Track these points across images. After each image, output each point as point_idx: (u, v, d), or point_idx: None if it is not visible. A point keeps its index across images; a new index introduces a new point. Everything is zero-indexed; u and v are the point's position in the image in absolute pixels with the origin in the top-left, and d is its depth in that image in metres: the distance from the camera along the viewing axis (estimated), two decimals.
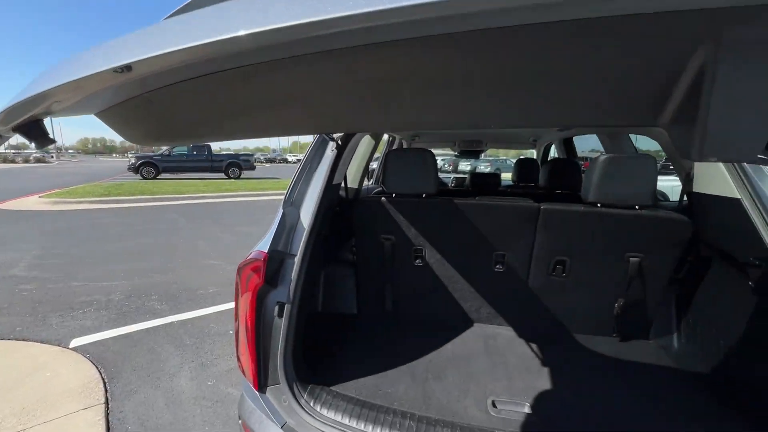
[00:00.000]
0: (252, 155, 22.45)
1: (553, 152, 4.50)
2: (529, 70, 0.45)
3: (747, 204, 1.21)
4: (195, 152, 19.71)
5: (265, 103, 0.57)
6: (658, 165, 2.41)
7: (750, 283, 1.28)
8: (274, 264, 1.24)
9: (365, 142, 2.81)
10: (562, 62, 0.43)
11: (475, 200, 1.73)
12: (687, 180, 1.58)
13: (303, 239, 1.30)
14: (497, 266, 1.82)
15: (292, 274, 1.24)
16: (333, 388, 1.33)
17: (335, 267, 2.13)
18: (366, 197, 1.82)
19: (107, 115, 0.64)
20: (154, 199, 11.28)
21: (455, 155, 5.54)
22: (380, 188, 2.93)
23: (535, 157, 4.45)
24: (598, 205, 1.59)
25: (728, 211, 1.33)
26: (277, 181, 17.39)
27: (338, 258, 2.17)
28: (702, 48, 0.38)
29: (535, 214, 1.68)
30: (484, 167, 25.78)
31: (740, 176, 1.23)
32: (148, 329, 3.30)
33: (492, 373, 1.50)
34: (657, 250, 1.62)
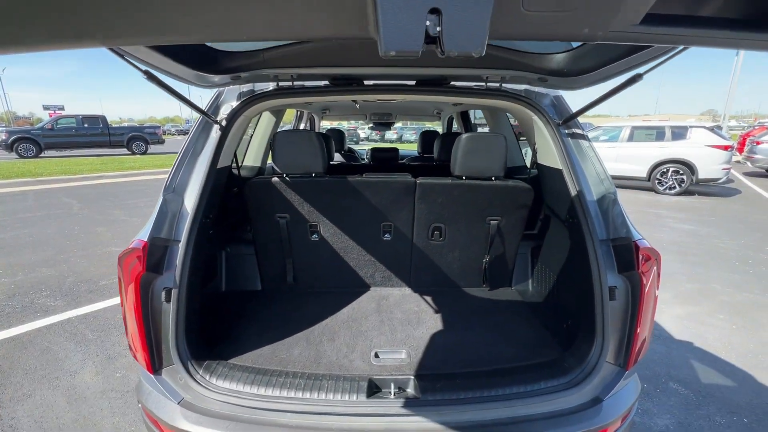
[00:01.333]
0: (159, 127, 20.15)
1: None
2: None
3: (566, 174, 1.52)
4: (86, 125, 17.08)
5: None
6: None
7: (567, 235, 1.64)
8: (157, 251, 1.26)
9: (265, 119, 2.78)
10: None
11: (361, 177, 1.87)
12: (534, 152, 1.89)
13: (186, 225, 1.32)
14: (385, 235, 2.03)
15: (177, 260, 1.28)
16: (231, 360, 1.43)
17: (237, 246, 2.17)
18: (257, 179, 1.86)
19: None
20: (39, 182, 9.75)
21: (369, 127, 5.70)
22: None
23: (440, 129, 4.75)
24: (463, 177, 1.85)
25: (556, 179, 1.65)
26: None
27: (240, 237, 2.21)
28: None
29: (413, 188, 1.90)
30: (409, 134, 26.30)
31: (563, 152, 1.52)
32: (40, 329, 3.02)
33: (379, 329, 1.72)
34: (509, 212, 1.95)
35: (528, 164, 2.30)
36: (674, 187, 9.02)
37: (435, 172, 2.06)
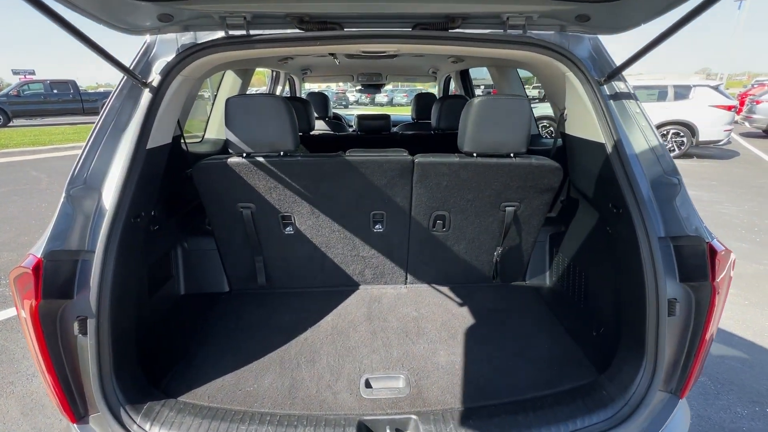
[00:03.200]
0: None
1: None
2: None
3: (609, 149, 1.20)
4: (55, 90, 15.92)
5: None
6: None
7: (607, 228, 1.33)
8: (60, 269, 0.93)
9: (229, 81, 2.34)
10: None
11: (344, 156, 1.52)
12: (561, 120, 1.55)
13: (103, 230, 0.99)
14: (376, 226, 1.70)
15: (91, 279, 0.95)
16: (182, 398, 1.15)
17: (198, 240, 1.82)
18: (207, 161, 1.49)
19: None
20: (5, 154, 9.08)
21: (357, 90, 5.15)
22: None
23: (436, 91, 4.30)
24: (474, 155, 1.50)
25: (593, 155, 1.32)
26: None
27: (202, 229, 1.86)
28: None
29: (410, 168, 1.54)
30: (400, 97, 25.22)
31: (606, 120, 1.19)
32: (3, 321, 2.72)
33: (371, 345, 1.44)
34: (530, 197, 1.62)
35: (542, 134, 1.98)
36: (673, 150, 8.73)
37: (434, 144, 1.70)
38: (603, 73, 1.21)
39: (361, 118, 3.09)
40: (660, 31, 0.94)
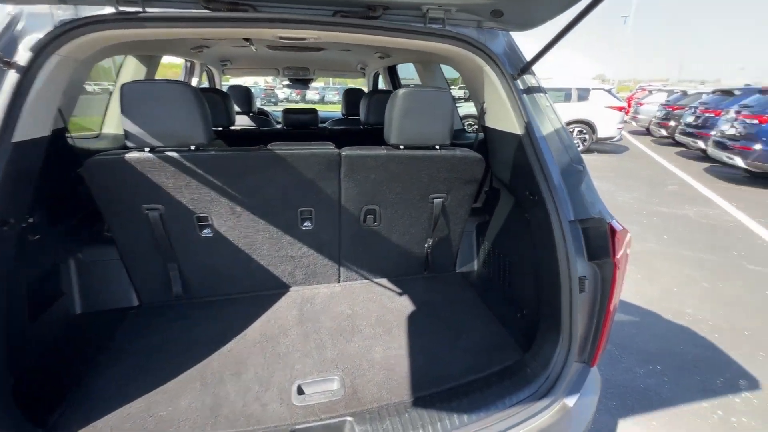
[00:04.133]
0: None
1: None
2: None
3: (524, 140, 1.27)
4: None
5: None
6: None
7: (526, 215, 1.42)
8: None
9: (131, 68, 2.07)
10: None
11: (265, 149, 1.42)
12: (481, 114, 1.62)
13: None
14: (305, 223, 1.63)
15: None
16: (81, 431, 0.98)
17: (96, 250, 1.58)
18: (100, 157, 1.28)
19: None
20: None
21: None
22: None
23: (366, 87, 4.29)
24: (401, 147, 1.50)
25: (510, 146, 1.40)
26: None
27: (101, 236, 1.61)
28: None
29: (337, 162, 1.50)
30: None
31: (521, 112, 1.26)
32: None
33: (303, 348, 1.38)
34: (456, 188, 1.67)
35: (466, 128, 2.06)
36: (579, 146, 9.83)
37: (363, 138, 1.68)
38: (516, 68, 1.28)
39: (287, 112, 2.93)
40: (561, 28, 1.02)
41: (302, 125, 2.88)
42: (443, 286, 1.86)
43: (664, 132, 11.57)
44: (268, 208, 1.54)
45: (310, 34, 1.22)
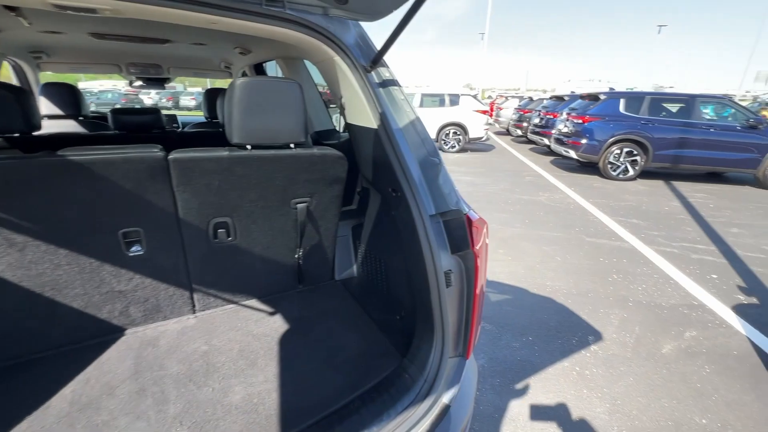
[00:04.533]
0: None
1: None
2: None
3: (382, 135, 1.22)
4: None
5: None
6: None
7: (393, 213, 1.37)
8: None
9: None
10: None
11: (48, 156, 1.07)
12: (342, 109, 1.53)
13: None
14: (133, 248, 1.32)
15: None
16: None
17: None
18: None
19: None
20: None
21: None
22: None
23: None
24: (248, 147, 1.31)
25: (370, 141, 1.33)
26: None
27: None
28: None
29: (164, 168, 1.23)
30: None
31: (376, 106, 1.20)
32: None
33: (135, 408, 1.08)
34: (321, 190, 1.54)
35: (341, 127, 1.96)
36: (455, 146, 10.84)
37: (222, 141, 1.42)
38: (369, 60, 1.22)
39: (116, 112, 2.38)
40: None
41: (140, 128, 2.37)
42: (320, 299, 1.72)
43: (519, 132, 13.59)
44: (69, 234, 1.19)
45: (119, 5, 0.95)
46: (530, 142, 12.89)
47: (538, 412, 1.98)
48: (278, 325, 1.50)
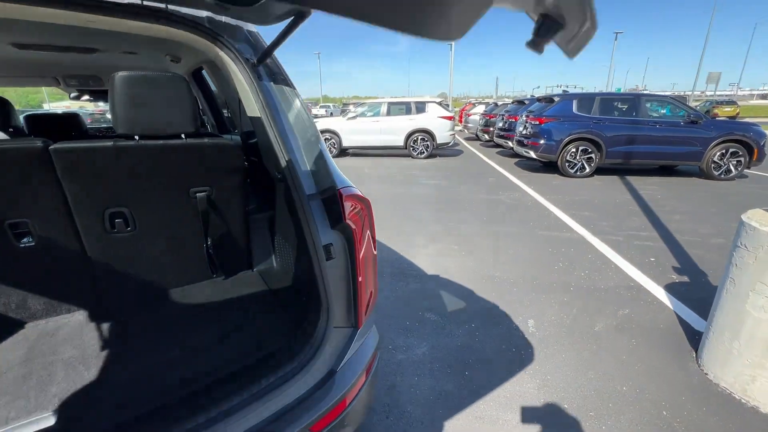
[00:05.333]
0: None
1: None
2: None
3: (265, 122, 1.27)
4: None
5: None
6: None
7: (283, 196, 1.43)
8: None
9: None
10: None
11: None
12: (239, 103, 1.58)
13: None
14: (23, 239, 1.34)
15: None
16: None
17: None
18: None
19: None
20: None
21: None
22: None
23: None
24: (136, 138, 1.35)
25: (261, 131, 1.38)
26: None
27: None
28: None
29: (46, 159, 1.26)
30: None
31: (258, 94, 1.25)
32: None
33: (17, 390, 1.08)
34: (220, 180, 1.58)
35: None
36: (423, 152, 11.06)
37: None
38: (257, 55, 1.29)
39: (31, 119, 2.35)
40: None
41: (58, 135, 2.37)
42: (234, 287, 1.75)
43: (486, 137, 14.00)
44: None
45: None
46: (497, 146, 13.29)
47: (473, 393, 2.05)
48: (183, 310, 1.54)
